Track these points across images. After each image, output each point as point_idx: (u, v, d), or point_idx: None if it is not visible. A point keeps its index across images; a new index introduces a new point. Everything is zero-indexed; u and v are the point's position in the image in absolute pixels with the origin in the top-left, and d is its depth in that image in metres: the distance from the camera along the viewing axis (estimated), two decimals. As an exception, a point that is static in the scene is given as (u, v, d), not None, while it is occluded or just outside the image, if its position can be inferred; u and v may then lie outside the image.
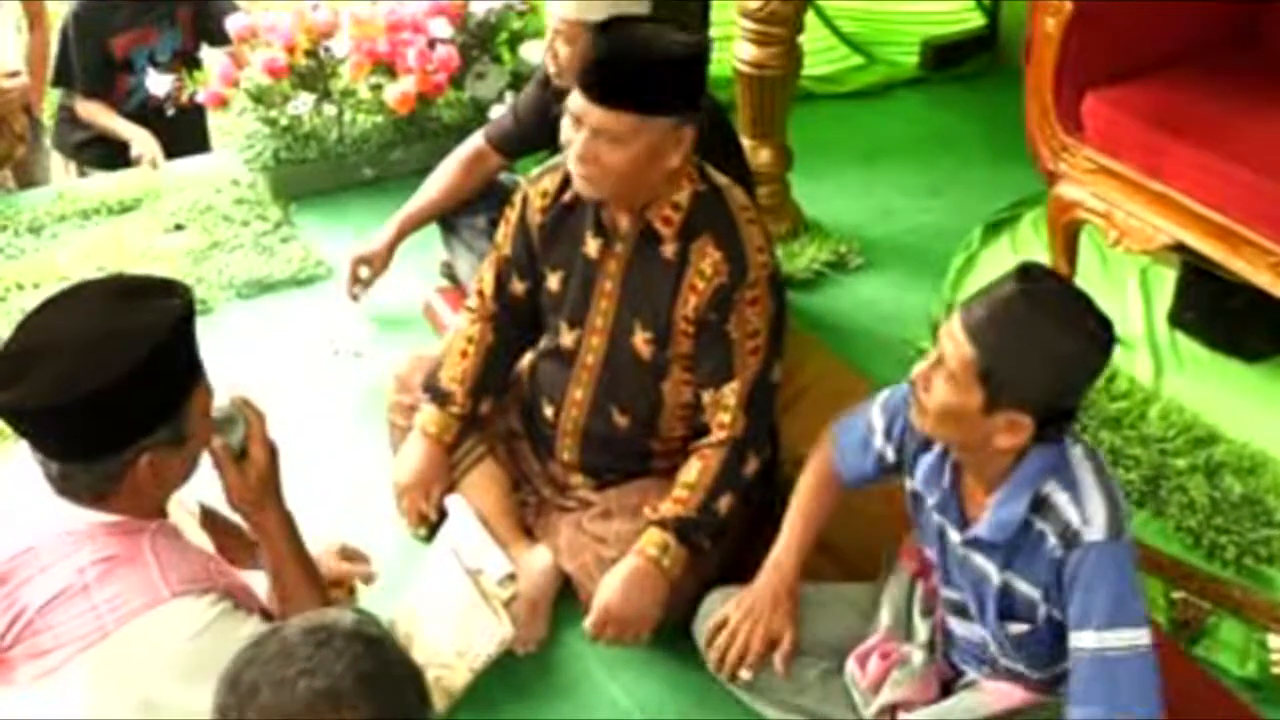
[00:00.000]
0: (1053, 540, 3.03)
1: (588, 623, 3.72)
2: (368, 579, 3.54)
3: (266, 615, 2.90)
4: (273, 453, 3.01)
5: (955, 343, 2.98)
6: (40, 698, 2.65)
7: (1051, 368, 2.93)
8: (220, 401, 2.94)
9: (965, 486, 3.20)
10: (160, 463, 2.72)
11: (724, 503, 3.73)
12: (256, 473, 2.98)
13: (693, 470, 3.75)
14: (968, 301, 3.03)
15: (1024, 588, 3.13)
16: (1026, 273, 2.97)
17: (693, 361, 3.80)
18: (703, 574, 3.80)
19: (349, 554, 3.55)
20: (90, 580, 2.65)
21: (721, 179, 3.80)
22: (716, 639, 3.58)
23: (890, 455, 3.37)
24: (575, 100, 3.58)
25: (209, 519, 3.30)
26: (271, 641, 2.14)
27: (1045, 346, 2.90)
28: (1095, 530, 2.98)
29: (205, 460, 2.94)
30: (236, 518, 3.12)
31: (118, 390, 2.59)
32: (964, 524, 3.18)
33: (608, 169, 3.57)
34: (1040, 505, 3.04)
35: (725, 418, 3.73)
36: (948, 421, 3.08)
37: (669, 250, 3.72)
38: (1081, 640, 3.02)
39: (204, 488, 3.06)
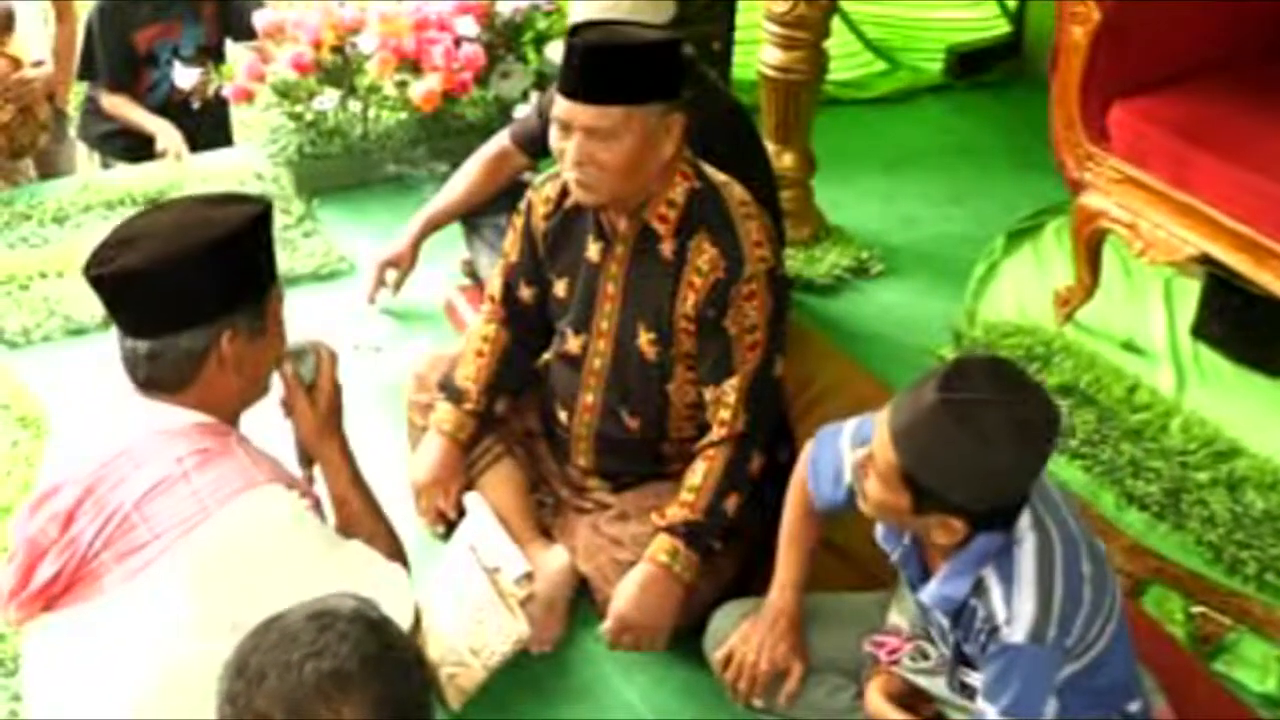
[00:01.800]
0: (980, 622, 3.05)
1: (604, 629, 3.74)
2: None
3: None
4: (338, 391, 3.25)
5: (881, 444, 2.95)
6: (134, 598, 2.74)
7: (975, 482, 2.89)
8: (296, 338, 3.19)
9: (925, 544, 3.19)
10: (241, 347, 2.93)
11: (731, 503, 3.73)
12: (324, 404, 3.22)
13: (697, 472, 3.75)
14: (896, 399, 2.98)
15: (970, 649, 3.15)
16: (952, 378, 2.89)
17: (695, 360, 3.80)
18: (719, 579, 3.83)
19: None
20: (190, 468, 2.80)
21: (719, 176, 3.81)
22: (726, 671, 3.59)
23: None
24: (561, 106, 3.60)
25: None
26: (274, 628, 2.18)
27: (967, 462, 2.85)
28: (1017, 632, 2.97)
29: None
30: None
31: (203, 261, 2.84)
32: (925, 577, 3.19)
33: (606, 167, 3.58)
34: (978, 587, 3.04)
35: (726, 415, 3.73)
36: (884, 514, 3.10)
37: (667, 249, 3.73)
38: (985, 711, 3.07)
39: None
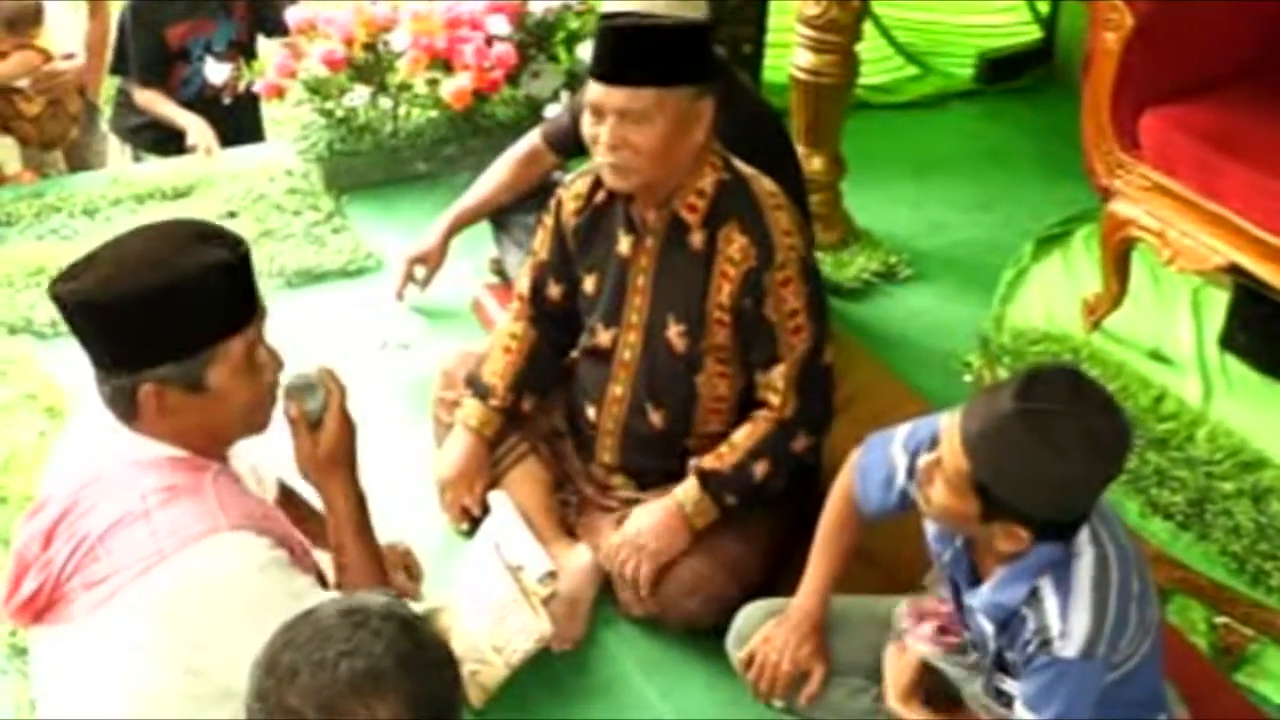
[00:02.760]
0: (1030, 633, 3.04)
1: (634, 600, 3.88)
2: (413, 596, 3.56)
3: (322, 581, 2.93)
4: (350, 427, 3.05)
5: (952, 451, 2.94)
6: (99, 627, 2.69)
7: (1047, 492, 2.88)
8: (304, 370, 3.01)
9: (978, 548, 3.18)
10: (166, 398, 2.74)
11: (760, 468, 3.79)
12: (327, 444, 3.02)
13: (741, 433, 3.83)
14: (969, 405, 2.96)
15: (1011, 656, 3.14)
16: (1027, 388, 2.86)
17: (728, 352, 3.82)
18: (744, 577, 3.83)
19: (406, 563, 3.61)
20: (152, 506, 2.70)
21: (748, 169, 3.83)
22: (749, 670, 3.60)
23: (913, 492, 3.26)
24: (594, 90, 3.63)
25: (286, 497, 3.36)
26: (305, 624, 2.18)
27: (1040, 472, 2.84)
28: (1069, 646, 2.97)
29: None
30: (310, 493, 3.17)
31: (129, 309, 2.66)
32: (975, 582, 3.18)
33: (639, 151, 3.60)
34: (1031, 596, 3.03)
35: (775, 399, 3.78)
36: (948, 519, 3.08)
37: (697, 240, 3.75)
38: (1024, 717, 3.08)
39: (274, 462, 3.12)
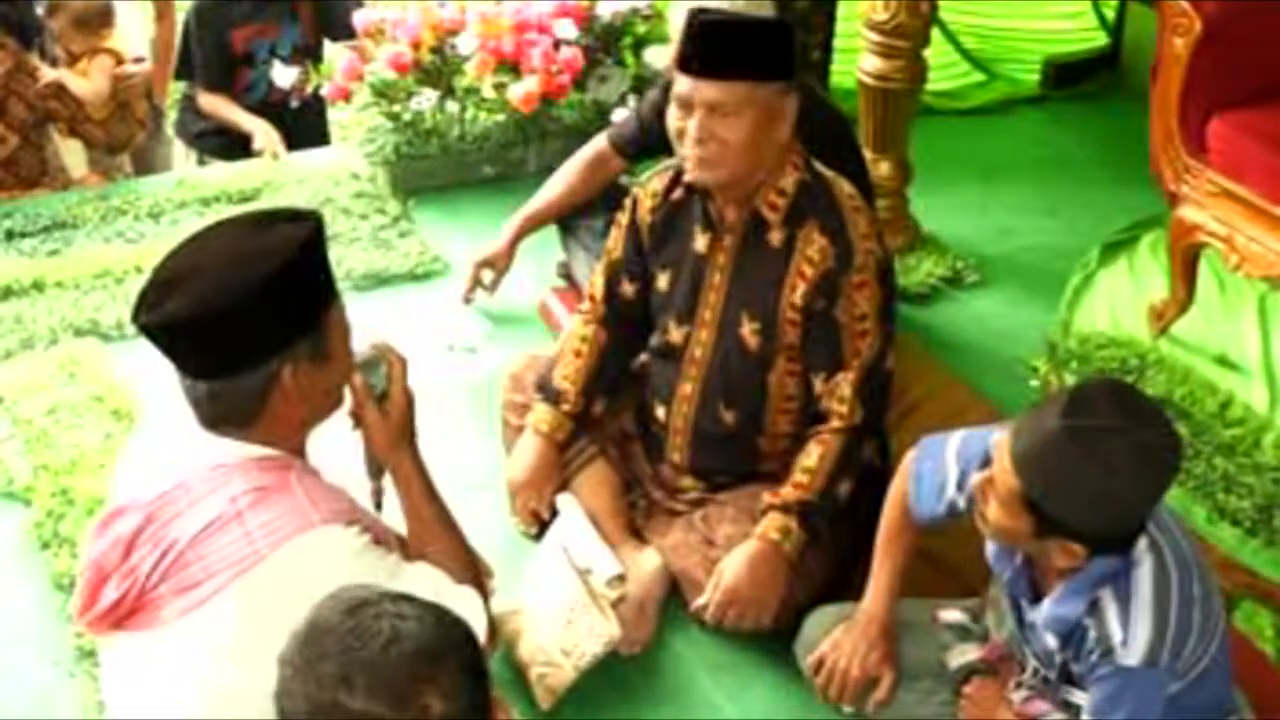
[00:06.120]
0: (1093, 642, 3.04)
1: (703, 604, 3.82)
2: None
3: None
4: (409, 399, 3.10)
5: (1003, 470, 2.95)
6: (191, 630, 2.70)
7: (1098, 509, 2.88)
8: (364, 345, 3.04)
9: (1038, 564, 3.18)
10: (304, 377, 2.79)
11: (844, 488, 3.79)
12: (397, 414, 3.07)
13: (813, 455, 3.79)
14: (1018, 424, 2.97)
15: (1077, 669, 3.14)
16: (1075, 404, 2.87)
17: (799, 351, 3.83)
18: (811, 583, 3.84)
19: None
20: (243, 508, 2.72)
21: (827, 171, 3.85)
22: (818, 675, 3.61)
23: (961, 504, 3.30)
24: (682, 85, 3.66)
25: None
26: (322, 634, 2.19)
27: (1090, 489, 2.84)
28: (1131, 654, 2.97)
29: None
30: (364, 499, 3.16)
31: (255, 302, 2.68)
32: (1037, 598, 3.18)
33: (727, 144, 3.62)
34: (1092, 608, 3.03)
35: (842, 408, 3.77)
36: (1004, 537, 3.09)
37: (776, 238, 3.76)
38: None
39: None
